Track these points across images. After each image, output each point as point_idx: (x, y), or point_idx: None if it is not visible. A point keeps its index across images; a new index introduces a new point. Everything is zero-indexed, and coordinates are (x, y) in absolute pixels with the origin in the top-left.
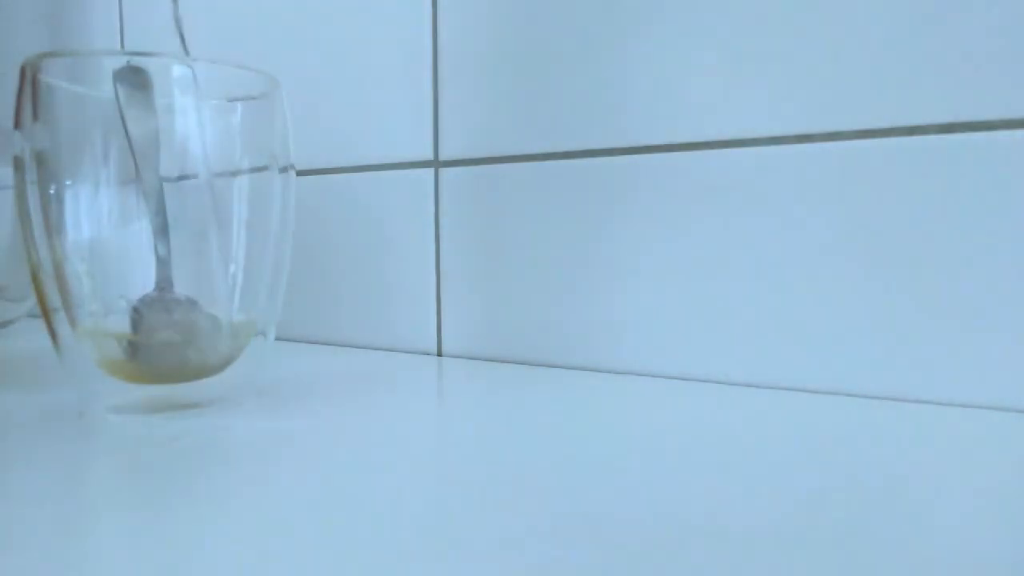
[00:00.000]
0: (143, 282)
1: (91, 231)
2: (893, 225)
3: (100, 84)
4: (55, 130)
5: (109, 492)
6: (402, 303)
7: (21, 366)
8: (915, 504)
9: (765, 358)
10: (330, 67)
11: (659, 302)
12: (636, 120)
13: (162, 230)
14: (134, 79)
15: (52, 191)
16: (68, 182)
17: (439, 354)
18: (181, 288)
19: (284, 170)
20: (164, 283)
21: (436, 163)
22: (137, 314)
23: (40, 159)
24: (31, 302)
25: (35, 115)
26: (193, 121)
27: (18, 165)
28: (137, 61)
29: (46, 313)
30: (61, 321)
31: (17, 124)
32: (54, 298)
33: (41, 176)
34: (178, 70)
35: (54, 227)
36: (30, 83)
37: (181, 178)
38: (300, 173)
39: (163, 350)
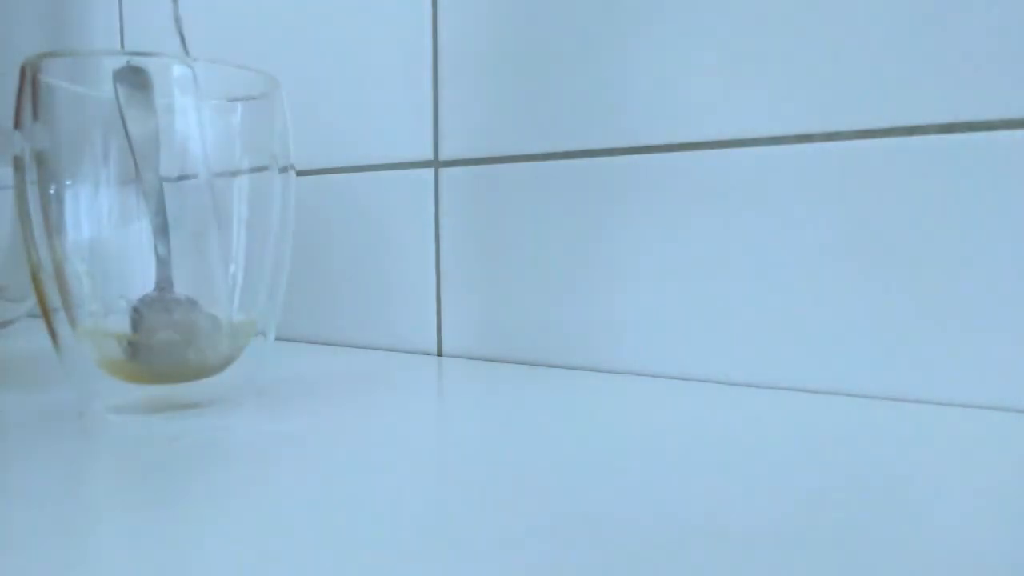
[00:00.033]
0: (143, 282)
1: (91, 231)
2: (893, 225)
3: (100, 84)
4: (55, 130)
5: (109, 492)
6: (402, 303)
7: (21, 366)
8: (915, 504)
9: (765, 358)
10: (330, 67)
11: (659, 302)
12: (636, 120)
13: (162, 230)
14: (134, 79)
15: (52, 191)
16: (68, 182)
17: (439, 354)
18: (181, 288)
19: (284, 170)
20: (164, 283)
21: (436, 163)
22: (137, 314)
23: (40, 159)
24: (31, 302)
25: (35, 115)
26: (193, 121)
27: (18, 165)
28: (137, 61)
29: (46, 313)
30: (61, 321)
31: (17, 124)
32: (54, 298)
33: (41, 176)
34: (178, 70)
35: (54, 227)
36: (30, 83)
37: (181, 178)
38: (300, 173)
39: (163, 350)
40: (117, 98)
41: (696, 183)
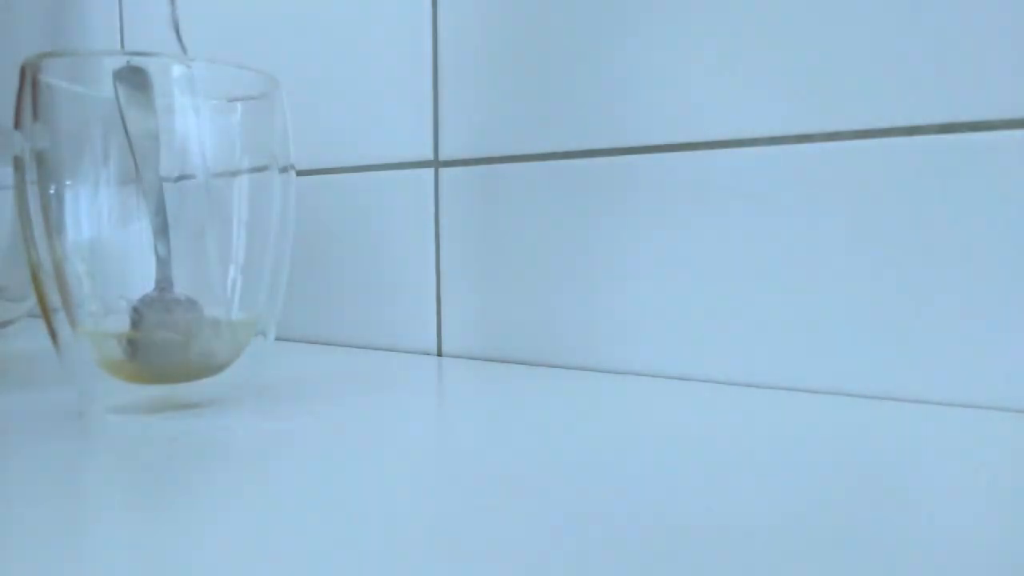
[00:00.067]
0: (143, 282)
1: (91, 231)
2: (893, 225)
3: (100, 84)
4: (55, 130)
5: (109, 492)
6: (402, 303)
7: (21, 366)
8: (915, 504)
9: (765, 358)
10: (330, 67)
11: (659, 302)
12: (636, 120)
13: (162, 230)
14: (134, 79)
15: (52, 191)
16: (68, 182)
17: (439, 354)
18: (181, 288)
19: (284, 170)
20: (164, 283)
21: (436, 163)
22: (137, 314)
23: (40, 159)
24: (31, 302)
25: (35, 115)
26: (193, 121)
27: (18, 165)
28: (137, 61)
29: (46, 313)
30: (61, 321)
31: (17, 124)
32: (54, 298)
33: (41, 176)
34: (178, 70)
35: (54, 227)
36: (30, 83)
37: (181, 178)
38: (300, 173)
39: (163, 350)
40: (117, 98)
41: (696, 183)
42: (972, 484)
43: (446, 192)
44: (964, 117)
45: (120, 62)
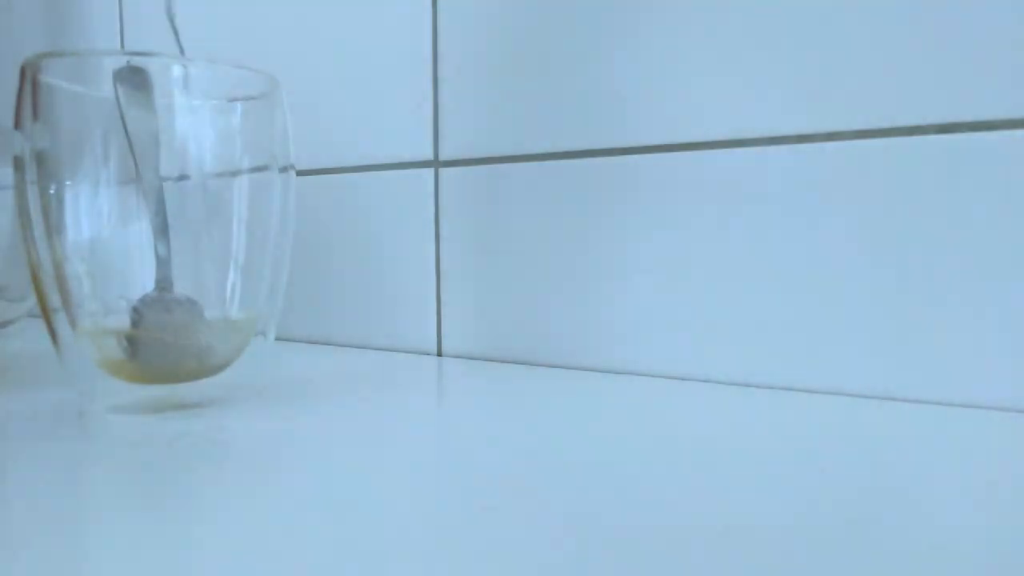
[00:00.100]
0: (143, 282)
1: (91, 231)
2: (893, 225)
3: (100, 84)
4: (55, 130)
5: (109, 492)
6: (402, 303)
7: (21, 366)
8: (915, 504)
9: (765, 358)
10: (330, 67)
11: (659, 302)
12: (636, 120)
13: (162, 230)
14: (134, 79)
15: (52, 191)
16: (68, 182)
17: (439, 354)
18: (181, 288)
19: (284, 170)
20: (164, 283)
21: (436, 163)
22: (137, 314)
23: (40, 159)
24: (31, 302)
25: (35, 115)
26: (193, 121)
27: (18, 165)
28: (137, 61)
29: (46, 313)
30: (61, 321)
31: (17, 124)
32: (54, 298)
33: (41, 176)
34: (178, 70)
35: (54, 227)
36: (30, 83)
37: (181, 178)
38: (300, 173)
39: (163, 350)
40: (117, 98)
41: (696, 183)
42: (972, 484)
43: (446, 192)
44: (964, 117)
45: (120, 62)
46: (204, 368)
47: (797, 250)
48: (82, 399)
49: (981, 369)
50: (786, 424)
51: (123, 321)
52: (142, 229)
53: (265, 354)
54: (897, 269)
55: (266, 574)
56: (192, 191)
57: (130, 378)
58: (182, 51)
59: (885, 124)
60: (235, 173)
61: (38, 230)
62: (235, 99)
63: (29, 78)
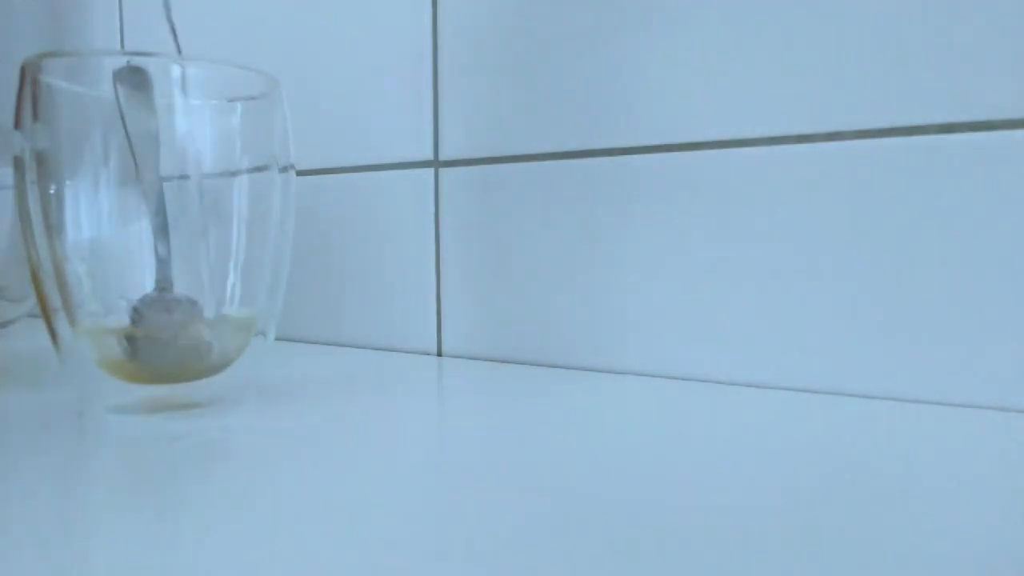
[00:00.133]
0: (143, 282)
1: (91, 231)
2: (893, 225)
3: (100, 84)
4: (55, 130)
5: (109, 492)
6: (402, 303)
7: (21, 366)
8: (915, 504)
9: (766, 358)
10: (330, 67)
11: (659, 302)
12: (636, 120)
13: (162, 230)
14: (134, 79)
15: (52, 191)
16: (68, 182)
17: (439, 354)
18: (181, 288)
19: (284, 170)
20: (164, 283)
21: (436, 163)
22: (137, 314)
23: (40, 159)
24: (31, 302)
25: (35, 115)
26: (193, 121)
27: (18, 165)
28: (137, 61)
29: (46, 313)
30: (61, 321)
31: (17, 124)
32: (54, 298)
33: (41, 176)
34: (178, 70)
35: (54, 227)
36: (30, 83)
37: (181, 178)
38: (300, 173)
39: (163, 350)
40: (117, 98)
41: (696, 183)
42: (971, 484)
43: (446, 192)
44: (964, 117)
45: (120, 62)
46: (204, 368)
47: (797, 250)
48: (82, 399)
49: (981, 369)
50: (786, 424)
51: (123, 321)
52: (142, 229)
53: (265, 354)
54: (897, 269)
55: (266, 574)
56: (192, 191)
57: (130, 378)
58: (179, 51)
59: (885, 124)
60: (235, 173)
61: (38, 230)
62: (235, 99)
63: (29, 78)
